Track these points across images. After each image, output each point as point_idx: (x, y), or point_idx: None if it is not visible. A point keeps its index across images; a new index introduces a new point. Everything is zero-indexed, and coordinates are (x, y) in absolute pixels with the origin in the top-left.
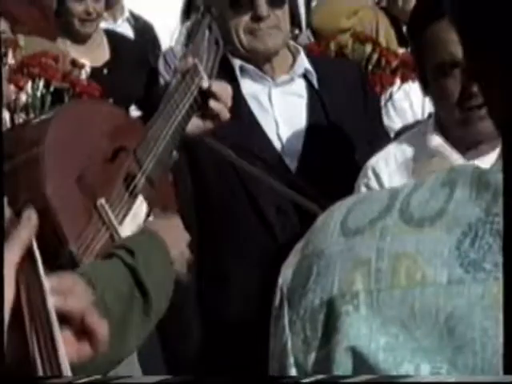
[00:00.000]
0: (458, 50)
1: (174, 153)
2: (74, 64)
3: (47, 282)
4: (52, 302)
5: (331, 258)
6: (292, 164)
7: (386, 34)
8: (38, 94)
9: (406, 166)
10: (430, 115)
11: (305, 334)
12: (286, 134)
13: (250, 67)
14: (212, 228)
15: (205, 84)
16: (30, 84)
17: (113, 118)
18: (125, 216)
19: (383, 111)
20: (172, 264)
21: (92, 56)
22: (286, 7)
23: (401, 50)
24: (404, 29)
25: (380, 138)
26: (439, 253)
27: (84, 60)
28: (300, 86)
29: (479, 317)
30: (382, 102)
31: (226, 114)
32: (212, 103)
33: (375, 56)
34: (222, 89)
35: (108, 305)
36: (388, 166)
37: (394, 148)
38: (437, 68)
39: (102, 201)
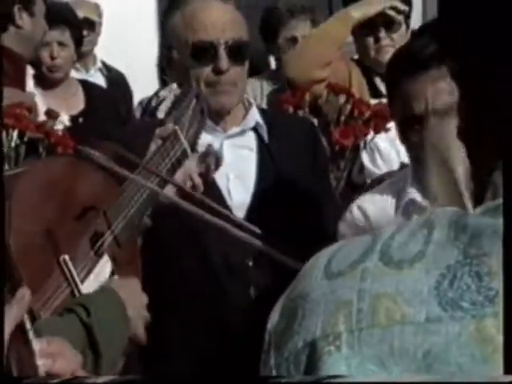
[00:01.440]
0: (419, 105)
1: (148, 220)
2: (49, 114)
3: (36, 345)
4: (41, 364)
5: (315, 301)
6: (241, 217)
7: (358, 85)
8: (13, 144)
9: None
10: (401, 165)
11: (289, 375)
12: (235, 186)
13: None
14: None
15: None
16: (4, 134)
17: (86, 178)
18: (88, 273)
19: (369, 158)
20: (128, 320)
21: (67, 105)
22: (246, 65)
23: (373, 101)
24: (375, 79)
25: (326, 198)
26: (418, 292)
27: (59, 109)
28: (250, 138)
29: (455, 353)
30: (349, 154)
31: (201, 187)
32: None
33: (348, 107)
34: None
35: None
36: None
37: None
38: (401, 122)
39: (66, 257)
